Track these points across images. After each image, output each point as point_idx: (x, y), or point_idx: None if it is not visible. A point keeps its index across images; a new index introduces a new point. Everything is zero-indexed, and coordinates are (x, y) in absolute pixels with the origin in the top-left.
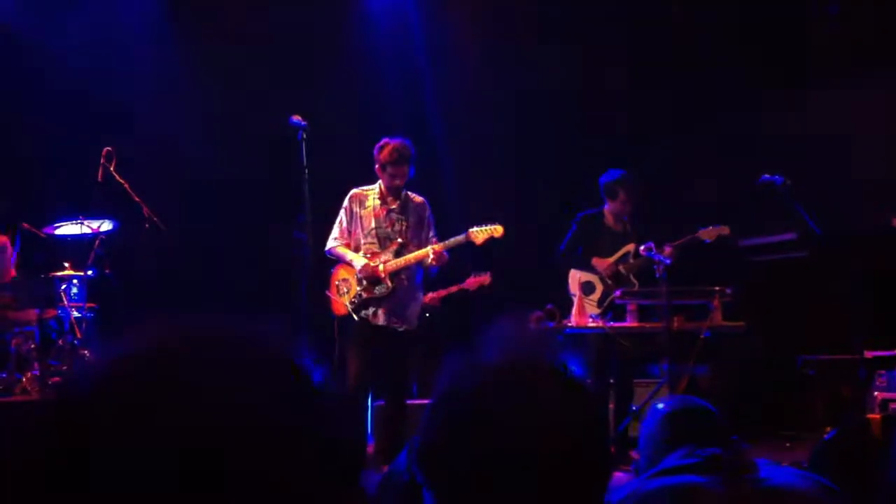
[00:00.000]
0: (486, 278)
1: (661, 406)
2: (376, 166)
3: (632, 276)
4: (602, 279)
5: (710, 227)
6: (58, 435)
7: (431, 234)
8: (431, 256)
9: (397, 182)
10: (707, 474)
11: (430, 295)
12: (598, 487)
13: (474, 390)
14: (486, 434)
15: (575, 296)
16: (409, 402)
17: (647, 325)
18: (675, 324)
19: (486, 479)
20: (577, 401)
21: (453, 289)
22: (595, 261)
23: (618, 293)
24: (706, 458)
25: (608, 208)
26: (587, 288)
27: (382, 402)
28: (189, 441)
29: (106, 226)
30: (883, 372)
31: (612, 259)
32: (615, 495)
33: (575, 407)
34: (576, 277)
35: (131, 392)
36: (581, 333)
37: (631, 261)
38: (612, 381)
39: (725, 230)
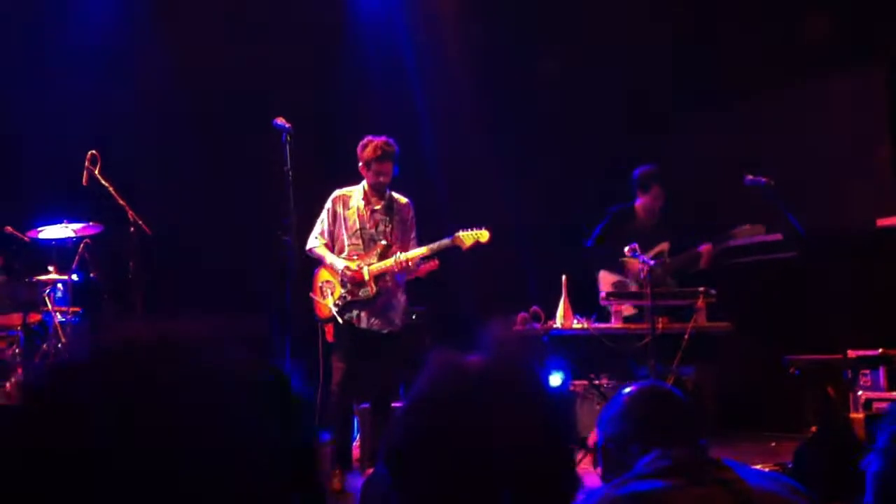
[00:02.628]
0: (434, 264)
1: (627, 390)
2: (360, 164)
3: (668, 277)
4: (636, 280)
5: (747, 226)
6: (19, 437)
7: (412, 236)
8: (393, 262)
9: (382, 179)
10: (678, 478)
11: None
12: (564, 494)
13: (442, 397)
14: (452, 439)
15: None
16: (394, 404)
17: (633, 327)
18: (660, 325)
19: (452, 484)
20: (544, 408)
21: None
22: (629, 262)
23: (602, 294)
24: (676, 462)
25: (640, 203)
26: (620, 286)
27: (367, 405)
28: (145, 441)
29: (91, 229)
30: (867, 371)
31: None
32: (588, 500)
33: (541, 414)
34: (607, 278)
35: (89, 393)
36: (566, 335)
37: (666, 260)
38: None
39: (761, 229)
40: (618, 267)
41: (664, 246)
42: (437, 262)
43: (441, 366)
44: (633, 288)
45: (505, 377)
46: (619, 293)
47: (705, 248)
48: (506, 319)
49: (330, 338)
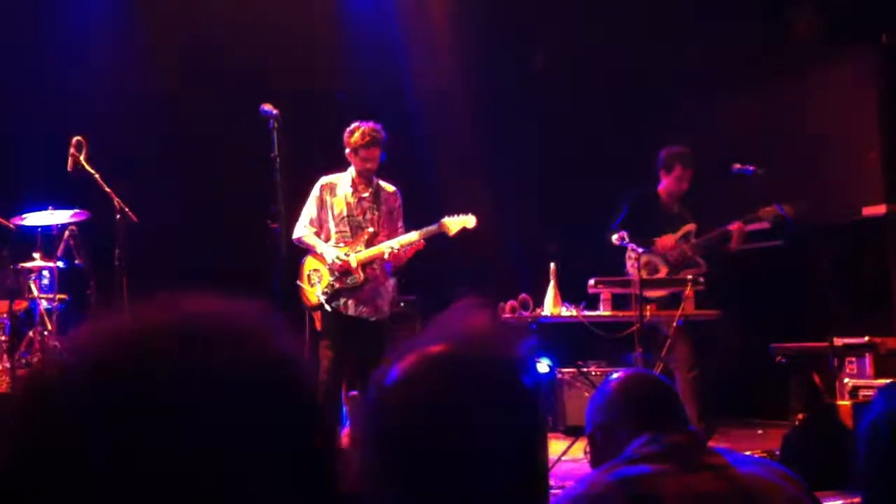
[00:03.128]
0: (419, 245)
1: (614, 377)
2: (347, 151)
3: (698, 257)
4: (666, 260)
5: (770, 207)
6: (27, 424)
7: (400, 224)
8: (387, 255)
9: (369, 166)
10: (668, 463)
11: None
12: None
13: (414, 396)
14: (417, 433)
15: (630, 275)
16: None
17: (621, 314)
18: (648, 313)
19: (419, 479)
20: (516, 401)
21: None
22: (660, 241)
23: (591, 282)
24: (667, 447)
25: (663, 186)
26: (651, 268)
27: (355, 393)
28: (170, 439)
29: (77, 216)
30: (853, 359)
31: (675, 237)
32: (578, 486)
33: (513, 408)
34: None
35: (112, 381)
36: (555, 323)
37: (693, 240)
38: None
39: (788, 209)
40: (647, 246)
41: (691, 227)
42: (421, 242)
43: (412, 361)
44: (664, 268)
45: (480, 371)
46: (608, 280)
47: (735, 226)
48: (476, 305)
49: (318, 326)
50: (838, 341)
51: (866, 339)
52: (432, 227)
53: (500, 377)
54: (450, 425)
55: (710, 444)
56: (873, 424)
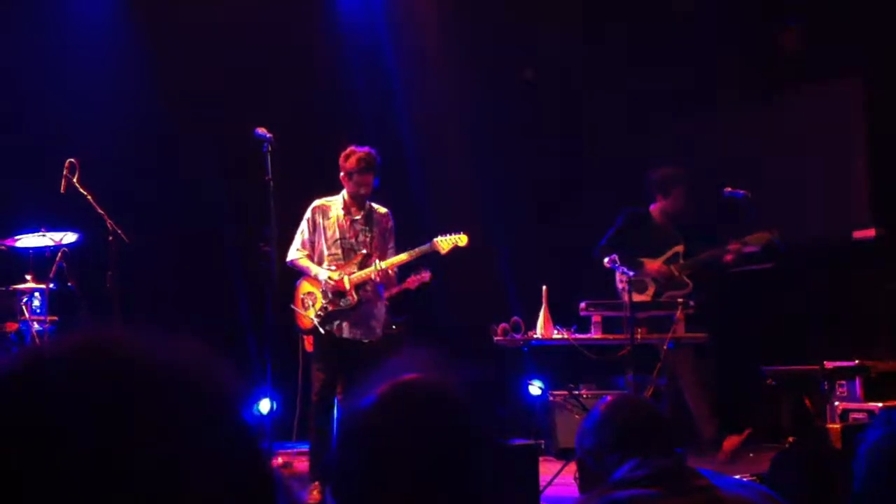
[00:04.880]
0: (425, 276)
1: (601, 402)
2: (341, 174)
3: (685, 277)
4: (654, 278)
5: (758, 233)
6: None
7: (391, 245)
8: (374, 275)
9: (363, 191)
10: (657, 487)
11: None
12: None
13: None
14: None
15: (623, 290)
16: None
17: (611, 337)
18: (639, 335)
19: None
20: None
21: (394, 290)
22: (647, 265)
23: (582, 305)
24: (655, 471)
25: (659, 207)
26: (639, 286)
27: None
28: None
29: (69, 238)
30: (843, 382)
31: (661, 259)
32: None
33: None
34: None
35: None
36: (546, 345)
37: (681, 261)
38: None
39: (769, 235)
40: (635, 267)
41: (679, 248)
42: (428, 274)
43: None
44: (651, 286)
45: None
46: (598, 302)
47: (734, 245)
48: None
49: (309, 348)
50: (829, 364)
51: (857, 362)
52: (424, 247)
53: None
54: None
55: (697, 466)
56: (872, 448)
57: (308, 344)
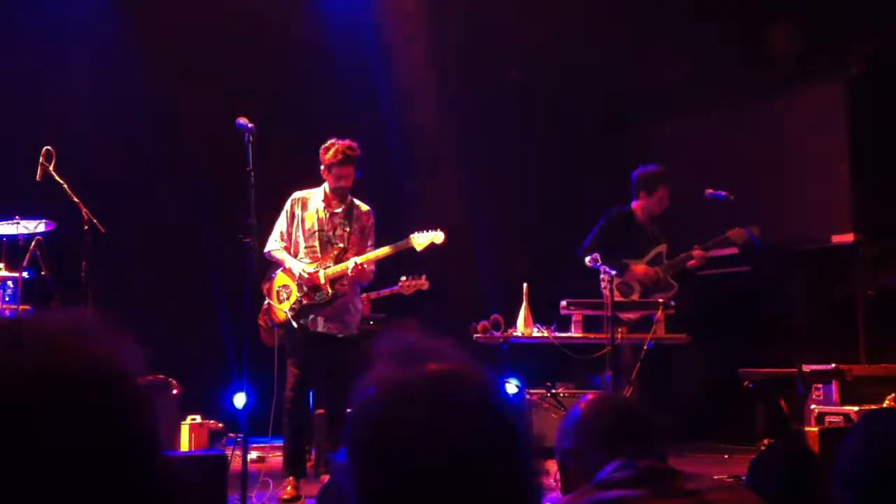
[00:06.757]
0: (422, 282)
1: (581, 403)
2: (322, 167)
3: (670, 279)
4: (640, 281)
5: (738, 229)
6: None
7: (370, 243)
8: (350, 270)
9: (343, 184)
10: (641, 488)
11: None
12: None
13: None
14: (404, 443)
15: (605, 289)
16: (349, 410)
17: (591, 336)
18: (619, 335)
19: (408, 491)
20: (490, 412)
21: (385, 292)
22: (632, 268)
23: (563, 303)
24: (640, 472)
25: (640, 205)
26: (625, 290)
27: (322, 411)
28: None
29: (43, 226)
30: (819, 386)
31: (644, 261)
32: None
33: (488, 419)
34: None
35: None
36: (526, 343)
37: (665, 262)
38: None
39: (750, 232)
40: (618, 269)
41: (662, 248)
42: (424, 279)
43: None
44: (638, 290)
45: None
46: (579, 301)
47: (697, 252)
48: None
49: (272, 342)
50: (806, 367)
51: (833, 365)
52: (400, 243)
53: (478, 398)
54: (431, 445)
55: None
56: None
57: (276, 338)
